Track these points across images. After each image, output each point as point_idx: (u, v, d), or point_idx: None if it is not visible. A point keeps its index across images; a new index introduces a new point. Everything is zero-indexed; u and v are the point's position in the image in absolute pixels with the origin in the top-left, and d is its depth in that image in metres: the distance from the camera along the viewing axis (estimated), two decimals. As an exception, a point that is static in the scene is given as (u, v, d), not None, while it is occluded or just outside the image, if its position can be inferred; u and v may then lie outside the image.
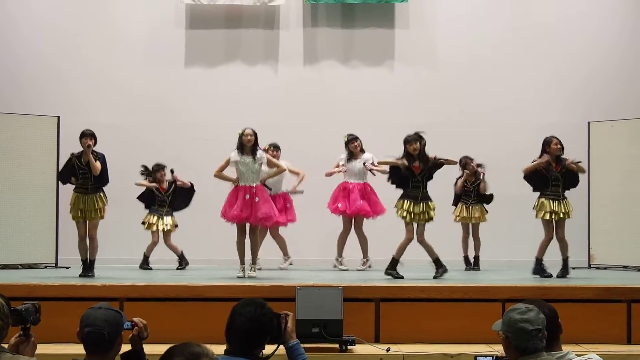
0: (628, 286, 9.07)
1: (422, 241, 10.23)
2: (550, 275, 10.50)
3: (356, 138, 12.04)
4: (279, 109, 13.89)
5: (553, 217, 10.65)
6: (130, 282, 9.14)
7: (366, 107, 14.12)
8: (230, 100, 14.15)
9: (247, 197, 10.15)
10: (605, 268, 12.76)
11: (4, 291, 4.87)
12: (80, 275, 10.40)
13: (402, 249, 10.22)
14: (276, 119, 13.27)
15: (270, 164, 10.60)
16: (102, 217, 10.56)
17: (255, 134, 10.31)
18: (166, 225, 12.13)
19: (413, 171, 10.24)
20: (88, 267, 10.51)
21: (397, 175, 10.36)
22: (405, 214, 10.15)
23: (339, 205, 11.84)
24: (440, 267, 10.22)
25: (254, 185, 10.25)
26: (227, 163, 10.36)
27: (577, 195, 12.84)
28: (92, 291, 8.67)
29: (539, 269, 10.69)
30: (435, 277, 10.09)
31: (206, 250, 12.93)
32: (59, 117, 12.80)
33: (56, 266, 12.51)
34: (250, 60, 14.47)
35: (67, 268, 12.14)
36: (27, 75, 14.11)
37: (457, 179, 12.23)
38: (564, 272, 10.62)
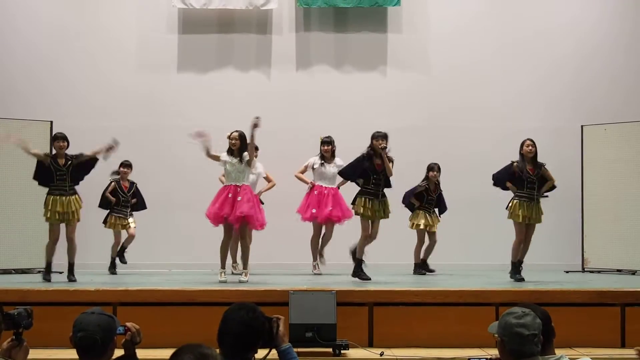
0: (622, 290, 9.08)
1: (374, 237, 10.45)
2: (522, 279, 10.45)
3: (330, 142, 12.04)
4: (272, 113, 13.83)
5: (525, 220, 10.64)
6: (123, 286, 9.12)
7: (359, 111, 14.11)
8: (223, 104, 14.13)
9: (230, 195, 10.19)
10: (599, 272, 12.78)
11: (-4, 296, 4.86)
12: (45, 279, 10.34)
13: (362, 248, 10.38)
14: (269, 123, 13.20)
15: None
16: (78, 220, 10.57)
17: (241, 137, 10.34)
18: (130, 224, 12.20)
19: (375, 168, 10.29)
20: (70, 271, 10.50)
21: (350, 169, 10.62)
22: (367, 211, 10.32)
23: (314, 210, 11.86)
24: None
25: (240, 185, 10.28)
26: (217, 158, 10.41)
27: (570, 198, 12.93)
28: (85, 296, 8.63)
29: (516, 272, 10.63)
30: (354, 277, 10.27)
31: (199, 254, 12.92)
32: (51, 122, 12.77)
33: (48, 271, 12.47)
34: (243, 65, 14.46)
35: (60, 273, 12.09)
36: (19, 81, 14.07)
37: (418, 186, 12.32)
38: (519, 275, 10.56)
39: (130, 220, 12.24)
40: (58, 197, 10.40)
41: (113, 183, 12.18)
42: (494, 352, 4.62)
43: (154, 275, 11.84)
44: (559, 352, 4.82)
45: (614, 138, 13.05)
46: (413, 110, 14.15)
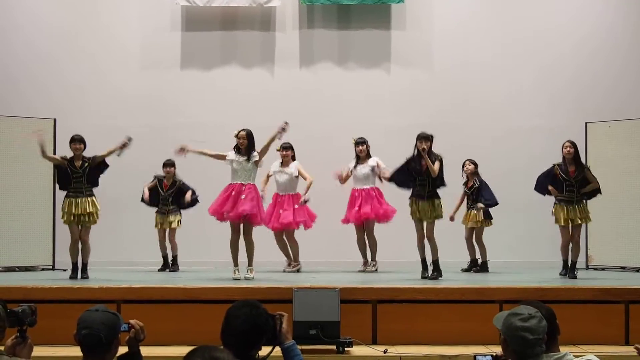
0: (626, 287, 9.07)
1: (430, 238, 10.42)
2: (575, 276, 10.64)
3: (363, 142, 12.00)
4: (275, 110, 13.83)
5: (569, 223, 10.74)
6: (127, 284, 9.12)
7: (362, 109, 14.12)
8: (227, 102, 14.15)
9: (234, 193, 10.23)
10: (603, 269, 12.77)
11: (1, 294, 4.88)
12: (71, 277, 10.44)
13: (419, 248, 10.52)
14: (272, 120, 13.19)
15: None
16: (95, 222, 10.57)
17: (248, 136, 10.37)
18: (170, 222, 12.15)
19: (420, 170, 10.31)
20: (82, 270, 10.52)
21: (400, 175, 10.52)
22: (414, 213, 10.37)
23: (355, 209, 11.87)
24: (436, 271, 10.33)
25: (245, 183, 10.30)
26: (223, 157, 10.45)
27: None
28: (89, 293, 8.64)
29: (572, 270, 10.76)
30: (423, 277, 10.34)
31: (202, 252, 12.94)
32: (55, 120, 12.77)
33: (53, 269, 12.51)
34: (247, 62, 14.46)
35: (64, 270, 12.12)
36: (23, 78, 14.08)
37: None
38: (571, 274, 10.71)
39: (171, 216, 12.18)
40: (74, 200, 10.42)
41: (155, 180, 12.23)
42: (498, 349, 4.61)
43: (157, 273, 11.85)
44: (563, 349, 4.82)
45: (619, 135, 13.03)
46: (416, 108, 14.14)
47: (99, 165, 10.57)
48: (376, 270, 11.89)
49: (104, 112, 13.97)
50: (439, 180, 10.42)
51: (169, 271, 12.13)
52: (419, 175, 10.34)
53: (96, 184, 10.63)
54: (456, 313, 8.62)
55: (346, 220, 11.99)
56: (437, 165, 10.30)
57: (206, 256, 12.83)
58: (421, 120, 13.54)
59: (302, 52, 14.48)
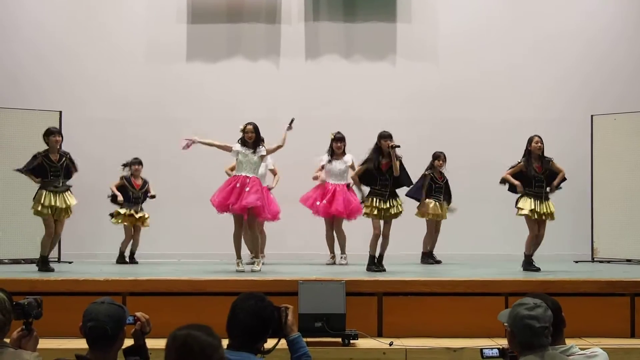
0: (631, 280, 9.04)
1: (386, 236, 10.50)
2: (538, 269, 10.47)
3: (342, 139, 12.06)
4: (281, 103, 13.86)
5: (535, 215, 10.64)
6: (132, 276, 9.13)
7: (368, 101, 14.11)
8: (232, 94, 14.14)
9: (238, 185, 10.24)
10: (608, 262, 12.76)
11: (6, 286, 4.87)
12: (47, 270, 10.36)
13: (373, 245, 10.52)
14: (278, 113, 13.22)
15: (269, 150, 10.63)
16: (68, 216, 10.63)
17: (255, 130, 10.39)
18: (143, 219, 12.22)
19: (381, 169, 10.37)
20: (47, 262, 10.50)
21: (364, 175, 10.59)
22: (374, 211, 10.38)
23: (318, 203, 11.91)
24: (380, 265, 10.47)
25: (250, 176, 10.31)
26: (229, 149, 10.47)
27: (579, 188, 12.87)
28: (94, 286, 8.64)
29: (527, 264, 10.69)
30: (368, 270, 10.39)
31: (208, 244, 12.96)
32: (60, 112, 12.80)
33: (59, 261, 12.54)
34: (252, 55, 14.46)
35: (70, 263, 12.18)
36: (28, 70, 14.09)
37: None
38: (528, 267, 10.65)
39: (141, 214, 12.24)
40: (51, 193, 10.39)
41: (122, 179, 12.19)
42: (504, 342, 4.61)
43: (163, 265, 11.86)
44: (569, 342, 4.82)
45: (624, 128, 13.01)
46: (421, 100, 14.13)
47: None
48: (346, 263, 11.94)
49: (109, 104, 13.98)
50: (404, 179, 10.55)
51: (132, 263, 12.20)
52: (380, 174, 10.41)
53: (70, 177, 10.62)
54: (462, 306, 8.60)
55: (316, 213, 12.01)
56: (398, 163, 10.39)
57: (211, 248, 12.82)
58: (425, 112, 13.57)
59: (307, 45, 14.46)
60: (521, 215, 10.69)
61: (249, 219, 10.39)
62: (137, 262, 12.25)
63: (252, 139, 10.37)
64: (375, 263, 10.46)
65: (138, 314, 4.49)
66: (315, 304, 8.05)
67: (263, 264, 11.13)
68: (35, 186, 10.47)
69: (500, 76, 14.31)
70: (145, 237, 12.41)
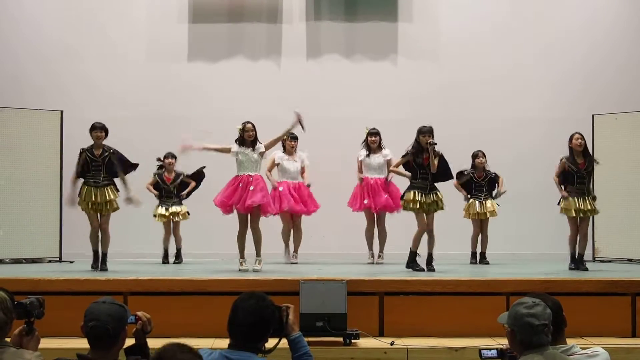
0: (633, 279, 9.03)
1: (430, 231, 10.43)
2: (587, 268, 10.64)
3: (377, 133, 12.07)
4: (282, 102, 13.83)
5: (578, 214, 10.68)
6: (134, 276, 9.13)
7: (369, 101, 14.11)
8: (233, 94, 14.13)
9: (241, 185, 10.25)
10: (610, 261, 12.75)
11: (8, 286, 4.87)
12: (93, 267, 10.48)
13: (417, 241, 10.47)
14: (279, 112, 13.22)
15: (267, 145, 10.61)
16: (114, 210, 10.63)
17: (254, 128, 10.43)
18: (174, 214, 12.15)
19: (422, 163, 10.31)
20: (102, 261, 10.56)
21: (406, 168, 10.58)
22: (416, 205, 10.31)
23: (365, 201, 11.88)
24: (430, 265, 10.43)
25: (253, 174, 10.33)
26: (227, 150, 10.46)
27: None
28: (96, 285, 8.65)
29: (575, 262, 10.78)
30: (408, 268, 10.42)
31: (209, 243, 12.95)
32: (62, 112, 12.80)
33: (60, 260, 12.54)
34: (253, 55, 14.46)
35: (71, 262, 12.17)
36: (30, 69, 14.09)
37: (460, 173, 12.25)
38: (582, 266, 10.71)
39: (175, 208, 12.21)
40: (93, 188, 10.43)
41: (155, 176, 12.23)
42: (505, 342, 4.61)
43: (164, 265, 11.87)
44: (570, 341, 4.83)
45: (625, 127, 13.00)
46: (423, 99, 14.12)
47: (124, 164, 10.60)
48: (382, 263, 11.91)
49: (110, 103, 13.94)
50: (443, 175, 10.53)
51: (174, 263, 12.15)
52: (421, 168, 10.40)
53: (116, 176, 10.63)
54: (463, 305, 8.60)
55: (358, 208, 11.99)
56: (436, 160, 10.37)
57: (213, 248, 12.82)
58: (427, 111, 13.54)
59: (308, 44, 14.46)
60: (567, 215, 10.72)
61: (252, 216, 10.39)
62: (179, 262, 12.23)
63: (252, 137, 10.39)
64: (415, 260, 10.44)
65: (139, 313, 4.49)
66: (316, 304, 8.04)
67: (296, 263, 11.51)
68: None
69: (501, 76, 14.30)
70: (151, 238, 12.39)
